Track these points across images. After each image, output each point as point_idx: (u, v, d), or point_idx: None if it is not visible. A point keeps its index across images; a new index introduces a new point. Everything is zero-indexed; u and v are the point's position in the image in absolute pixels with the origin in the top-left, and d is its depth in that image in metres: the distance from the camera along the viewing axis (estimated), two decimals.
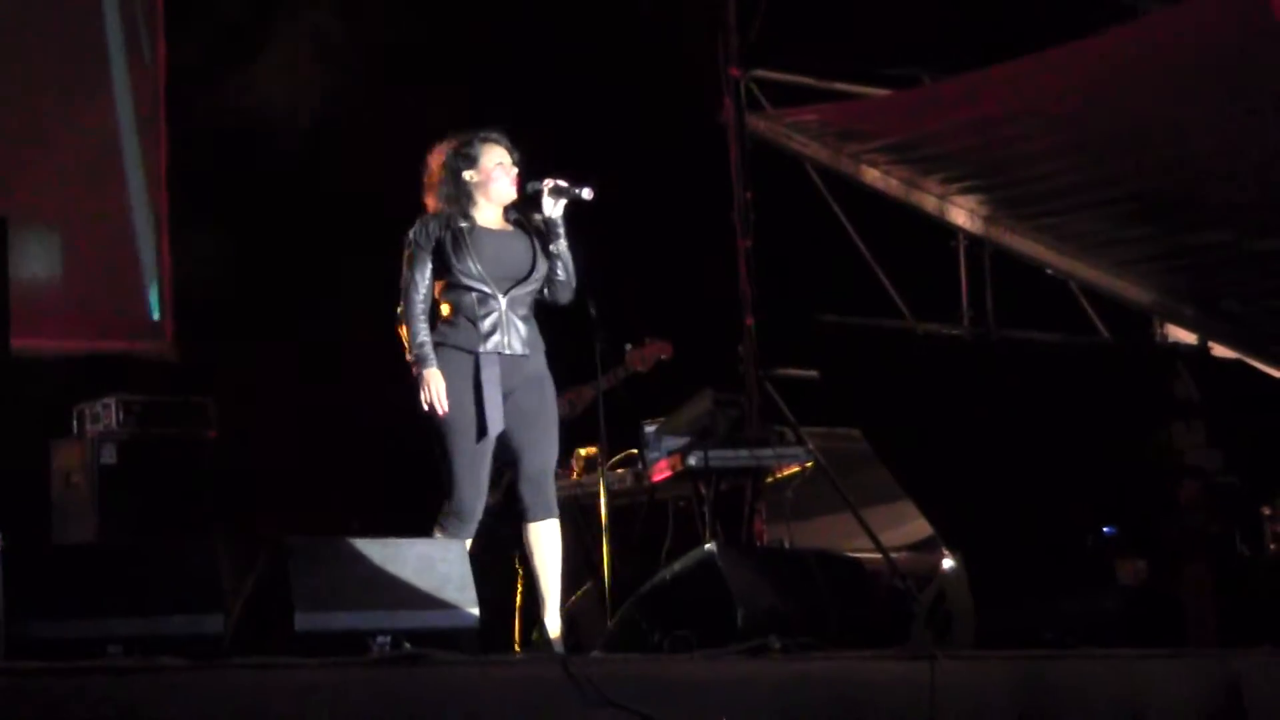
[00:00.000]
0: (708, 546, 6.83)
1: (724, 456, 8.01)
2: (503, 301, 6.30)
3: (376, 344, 6.87)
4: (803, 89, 10.38)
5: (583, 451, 8.18)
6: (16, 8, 9.09)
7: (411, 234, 6.33)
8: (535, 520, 6.40)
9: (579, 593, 7.74)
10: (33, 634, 5.22)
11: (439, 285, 6.32)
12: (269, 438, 9.06)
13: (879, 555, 9.67)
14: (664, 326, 8.45)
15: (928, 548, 9.80)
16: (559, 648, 6.30)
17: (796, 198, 10.21)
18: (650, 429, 8.12)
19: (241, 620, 5.71)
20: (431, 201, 6.40)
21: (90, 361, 8.73)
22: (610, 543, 7.40)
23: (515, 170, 6.42)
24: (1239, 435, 9.29)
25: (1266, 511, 8.87)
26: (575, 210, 6.49)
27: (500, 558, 7.32)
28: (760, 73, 10.23)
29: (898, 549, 10.01)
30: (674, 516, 8.21)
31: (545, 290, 6.43)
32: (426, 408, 6.19)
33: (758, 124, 10.21)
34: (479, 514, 6.28)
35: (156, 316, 9.17)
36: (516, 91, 9.59)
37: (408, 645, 5.50)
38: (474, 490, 6.25)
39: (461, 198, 6.35)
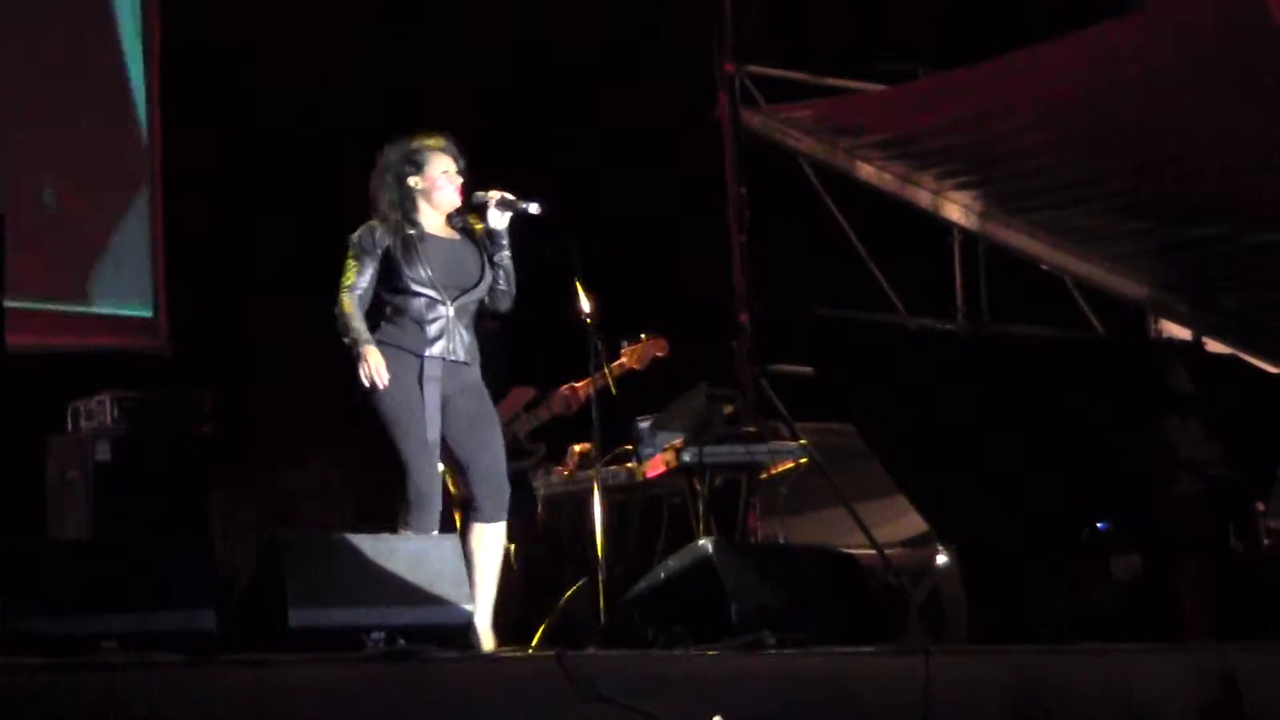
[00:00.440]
0: (702, 542, 6.84)
1: (718, 452, 8.01)
2: (450, 309, 6.32)
3: None
4: (797, 84, 10.38)
5: (577, 447, 8.18)
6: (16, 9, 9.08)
7: (356, 238, 6.36)
8: (487, 521, 6.37)
9: (574, 589, 7.74)
10: (27, 630, 5.22)
11: (384, 288, 6.32)
12: (264, 434, 9.06)
13: (873, 551, 9.66)
14: (659, 323, 8.44)
15: (922, 543, 9.79)
16: (487, 647, 6.24)
17: (791, 193, 10.21)
18: (645, 425, 8.12)
19: (235, 616, 5.71)
20: (377, 202, 6.41)
21: (85, 358, 8.71)
22: (605, 539, 7.40)
23: (460, 180, 6.44)
24: (1233, 430, 9.30)
25: (1261, 506, 8.86)
26: (523, 220, 6.49)
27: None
28: (754, 68, 10.22)
29: (892, 545, 10.00)
30: (668, 512, 8.21)
31: (486, 298, 6.45)
32: (367, 382, 6.18)
33: (752, 119, 10.21)
34: (438, 504, 6.26)
35: (151, 313, 9.15)
36: (512, 87, 9.60)
37: (402, 641, 5.51)
38: (428, 477, 6.23)
39: (405, 202, 6.39)
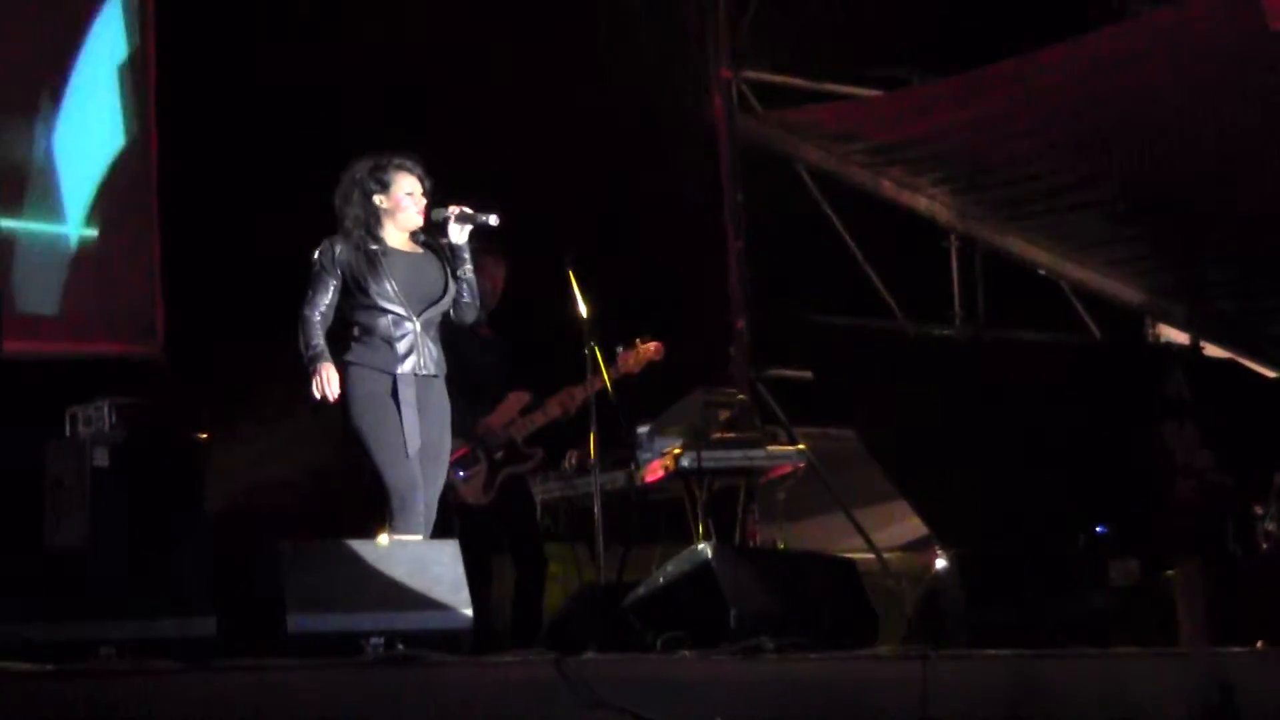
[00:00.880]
0: (701, 547, 6.84)
1: (717, 457, 8.01)
2: (417, 323, 6.35)
3: None
4: (793, 90, 10.39)
5: (575, 453, 8.17)
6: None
7: (317, 254, 6.39)
8: (397, 534, 6.37)
9: (572, 594, 7.74)
10: (25, 636, 5.22)
11: (349, 306, 6.35)
12: (261, 440, 9.05)
13: (871, 555, 9.69)
14: (656, 328, 8.44)
15: (920, 547, 9.81)
16: None
17: (788, 199, 10.22)
18: (643, 430, 8.12)
19: (234, 622, 5.70)
20: (341, 217, 6.42)
21: (83, 364, 8.71)
22: (603, 544, 7.40)
23: (424, 201, 6.45)
24: (1230, 434, 9.31)
25: (1259, 510, 8.87)
26: (482, 232, 6.50)
27: (485, 557, 7.34)
28: (751, 74, 10.24)
29: (890, 549, 10.03)
30: (667, 518, 8.21)
31: (451, 311, 6.47)
32: (318, 395, 6.22)
33: (748, 125, 10.22)
34: (420, 506, 6.27)
35: (149, 320, 9.15)
36: (509, 92, 9.59)
37: (401, 646, 5.50)
38: (408, 481, 6.25)
39: (369, 219, 6.40)
